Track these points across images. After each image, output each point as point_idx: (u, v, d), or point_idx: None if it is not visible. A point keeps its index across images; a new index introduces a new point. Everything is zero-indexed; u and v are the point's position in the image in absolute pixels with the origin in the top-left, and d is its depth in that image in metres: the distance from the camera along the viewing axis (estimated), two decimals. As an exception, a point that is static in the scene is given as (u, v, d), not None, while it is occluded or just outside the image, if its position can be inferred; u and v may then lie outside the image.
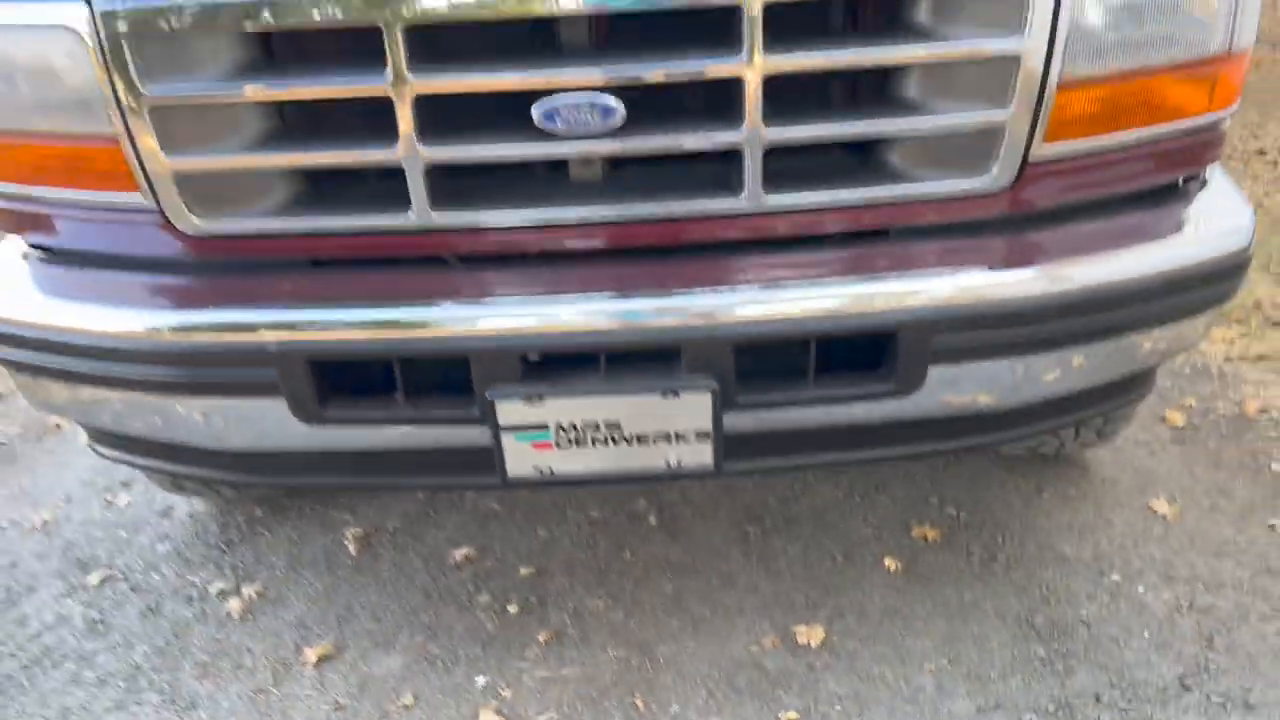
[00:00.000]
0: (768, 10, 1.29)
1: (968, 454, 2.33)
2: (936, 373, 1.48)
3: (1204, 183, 1.66)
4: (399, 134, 1.36)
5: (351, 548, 2.20)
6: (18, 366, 1.61)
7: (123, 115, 1.40)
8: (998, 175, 1.43)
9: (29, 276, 1.62)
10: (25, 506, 2.45)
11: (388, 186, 1.45)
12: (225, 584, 2.12)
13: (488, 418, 1.47)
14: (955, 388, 1.53)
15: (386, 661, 1.90)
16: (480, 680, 1.84)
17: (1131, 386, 1.79)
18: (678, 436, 1.50)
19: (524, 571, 2.09)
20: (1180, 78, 1.45)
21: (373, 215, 1.46)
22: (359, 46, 1.38)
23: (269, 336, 1.46)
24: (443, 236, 1.47)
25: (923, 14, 1.36)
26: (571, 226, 1.47)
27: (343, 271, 1.51)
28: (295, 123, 1.47)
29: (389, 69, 1.32)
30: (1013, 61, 1.35)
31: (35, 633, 2.04)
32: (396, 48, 1.31)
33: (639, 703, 1.78)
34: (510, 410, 1.47)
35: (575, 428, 1.49)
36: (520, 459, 1.52)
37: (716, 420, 1.47)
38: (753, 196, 1.41)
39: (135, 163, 1.43)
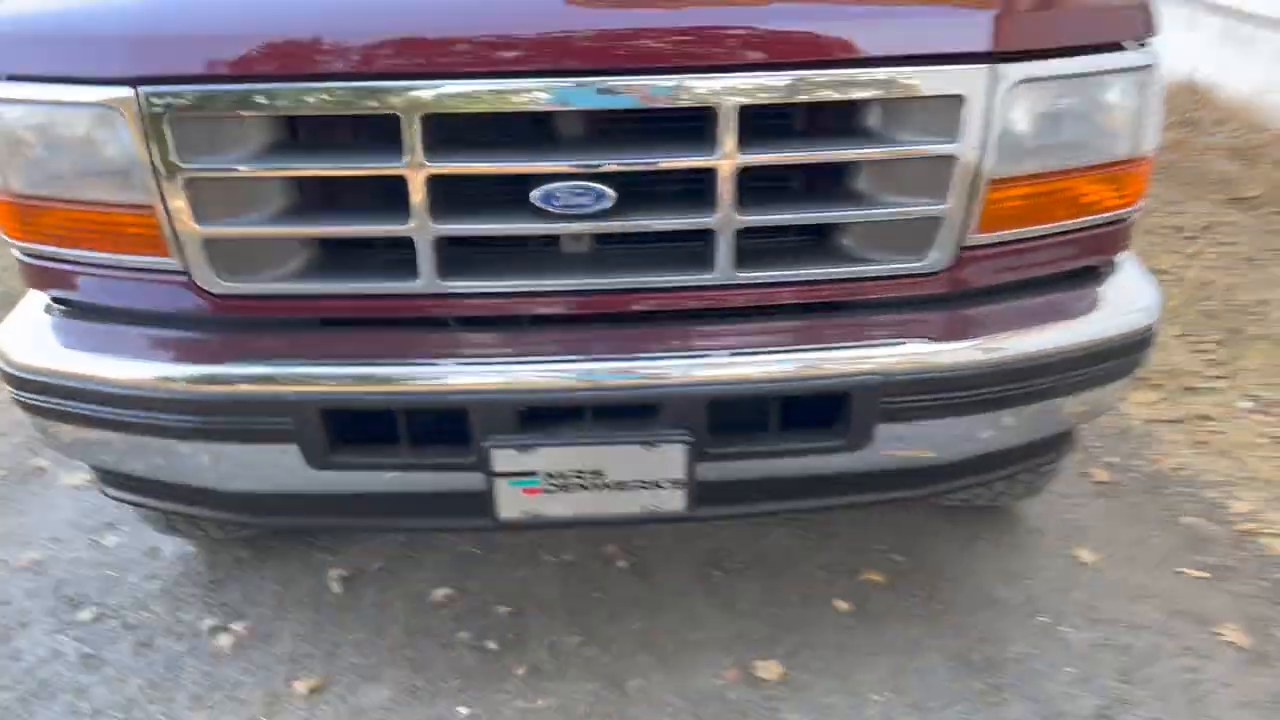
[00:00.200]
0: (740, 113, 1.49)
1: (911, 504, 2.52)
2: (884, 430, 1.67)
3: (1117, 267, 1.88)
4: (411, 209, 1.54)
5: (336, 587, 2.32)
6: (47, 412, 1.73)
7: (159, 187, 1.55)
8: (937, 258, 1.64)
9: (56, 330, 1.75)
10: (13, 546, 2.53)
11: (396, 254, 1.62)
12: (215, 620, 2.23)
13: (483, 465, 1.63)
14: (900, 444, 1.72)
15: (374, 693, 2.02)
16: (463, 711, 1.97)
17: (1056, 444, 2.00)
18: (654, 484, 1.66)
19: (502, 610, 2.23)
20: (1093, 178, 1.67)
21: (384, 281, 1.62)
22: (374, 128, 1.56)
23: (286, 388, 1.61)
24: (447, 300, 1.63)
25: (873, 119, 1.57)
26: (563, 294, 1.64)
27: (354, 330, 1.67)
28: (314, 195, 1.64)
29: (406, 152, 1.50)
30: (950, 162, 1.56)
31: (30, 666, 2.13)
32: (413, 134, 1.49)
33: (611, 731, 1.93)
34: (504, 458, 1.62)
35: (562, 475, 1.65)
36: (511, 503, 1.68)
37: (690, 469, 1.64)
38: (724, 272, 1.60)
39: (168, 229, 1.58)
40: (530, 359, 1.63)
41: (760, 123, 1.52)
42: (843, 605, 2.23)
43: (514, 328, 1.68)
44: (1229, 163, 5.81)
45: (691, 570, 2.35)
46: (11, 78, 1.58)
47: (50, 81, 1.55)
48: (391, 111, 1.48)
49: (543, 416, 1.64)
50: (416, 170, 1.50)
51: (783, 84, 1.48)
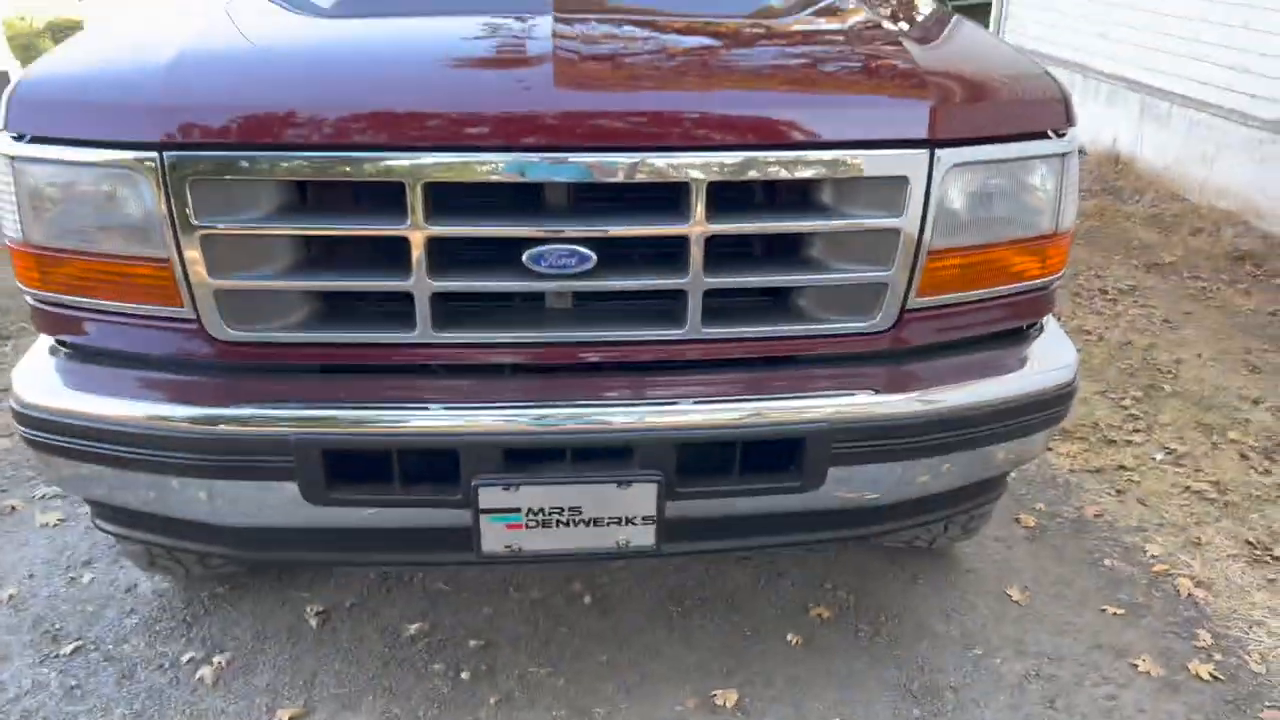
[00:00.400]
0: (709, 187, 1.68)
1: (858, 543, 2.70)
2: (834, 473, 1.83)
3: (1041, 329, 2.08)
4: (411, 266, 1.69)
5: (312, 622, 2.42)
6: (56, 449, 1.83)
7: (176, 242, 1.68)
8: (882, 319, 1.83)
9: (66, 372, 1.85)
10: (-10, 583, 2.60)
11: (393, 307, 1.77)
12: (196, 653, 2.32)
13: (470, 502, 1.77)
14: (849, 486, 1.89)
15: (353, 721, 2.13)
16: (438, 737, 2.09)
17: (988, 488, 2.19)
18: (627, 520, 1.81)
19: (473, 643, 2.35)
20: (1019, 250, 1.89)
21: (383, 331, 1.77)
22: (376, 193, 1.71)
23: (289, 429, 1.74)
24: (440, 350, 1.78)
25: (828, 195, 1.77)
26: (546, 346, 1.80)
27: (353, 375, 1.81)
28: (319, 251, 1.78)
29: (408, 216, 1.65)
30: (894, 234, 1.76)
31: (14, 697, 2.20)
32: (416, 200, 1.64)
33: (579, 756, 2.06)
34: (489, 495, 1.76)
35: (543, 511, 1.79)
36: (494, 538, 1.81)
37: (660, 507, 1.79)
38: (693, 328, 1.78)
39: (182, 281, 1.72)
40: (515, 404, 1.77)
41: (727, 196, 1.71)
42: (794, 639, 2.39)
43: (501, 375, 1.83)
44: (1148, 230, 6.18)
45: (652, 607, 2.50)
46: (38, 139, 1.71)
47: (77, 144, 1.69)
48: (396, 179, 1.64)
49: (526, 457, 1.79)
50: (417, 232, 1.66)
51: (750, 163, 1.67)
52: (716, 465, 1.83)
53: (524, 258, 1.69)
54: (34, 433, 1.84)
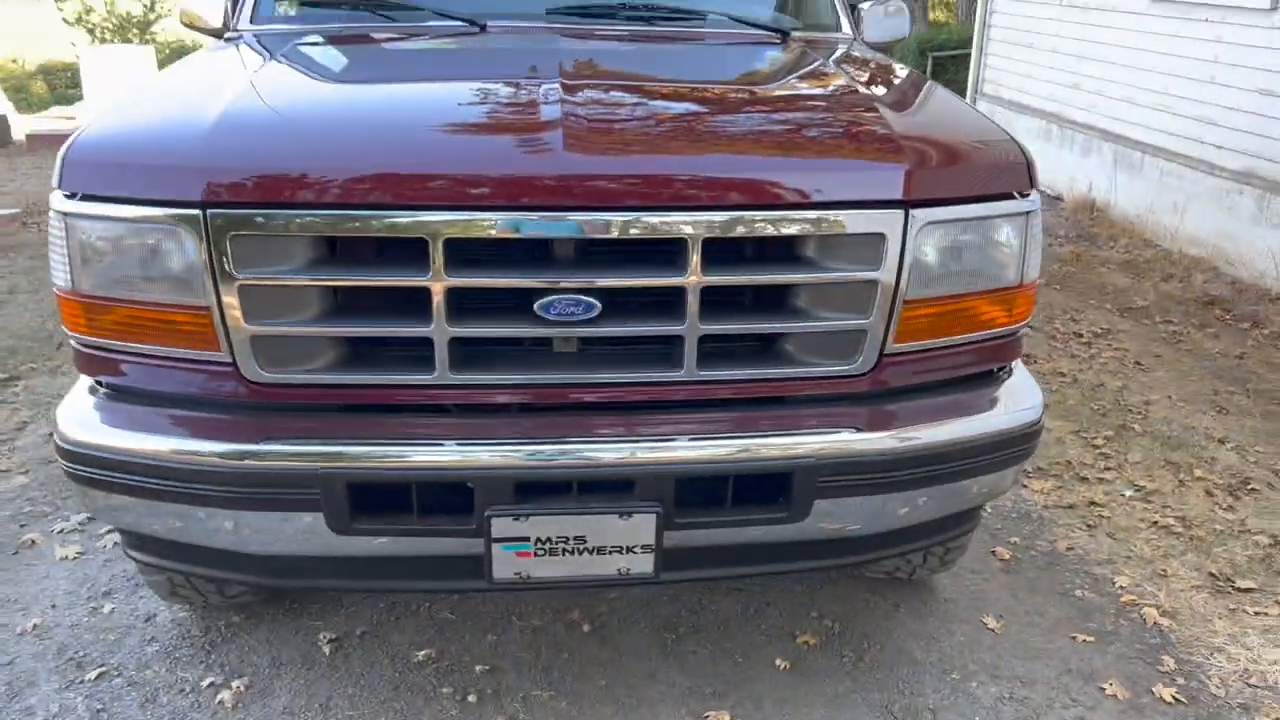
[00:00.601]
0: (704, 243, 1.85)
1: (842, 572, 2.85)
2: (819, 505, 1.98)
3: (1010, 372, 2.25)
4: (431, 314, 1.85)
5: (325, 649, 2.55)
6: (97, 483, 1.96)
7: (216, 291, 1.84)
8: (862, 363, 1.99)
9: (105, 410, 2.00)
10: (14, 613, 2.71)
11: (413, 351, 1.92)
12: (215, 678, 2.44)
13: (483, 531, 1.91)
14: (833, 517, 2.04)
15: (367, 741, 2.26)
16: (448, 756, 2.22)
17: (963, 520, 2.35)
18: (628, 549, 1.96)
19: (479, 669, 2.48)
20: (988, 300, 2.06)
21: (404, 374, 1.92)
22: (398, 247, 1.87)
23: (316, 464, 1.88)
24: (456, 390, 1.93)
25: (811, 250, 1.94)
26: (553, 386, 1.96)
27: (376, 413, 1.96)
28: (346, 301, 1.94)
29: (430, 268, 1.81)
30: (873, 285, 1.93)
31: (43, 720, 2.32)
32: (437, 254, 1.81)
33: (580, 773, 2.18)
34: (501, 525, 1.90)
35: (551, 540, 1.93)
36: (505, 565, 1.95)
37: (659, 536, 1.94)
38: (689, 370, 1.94)
39: (220, 327, 1.87)
40: (525, 440, 1.92)
41: (720, 250, 1.88)
42: (782, 664, 2.53)
43: (512, 413, 1.98)
44: (1121, 275, 6.40)
45: (648, 634, 2.63)
46: (89, 197, 1.87)
47: (125, 202, 1.84)
48: (419, 235, 1.80)
49: (535, 490, 1.94)
50: (438, 283, 1.82)
51: (741, 221, 1.84)
52: (711, 498, 1.98)
53: (535, 306, 1.85)
54: (76, 467, 1.97)
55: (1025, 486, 3.50)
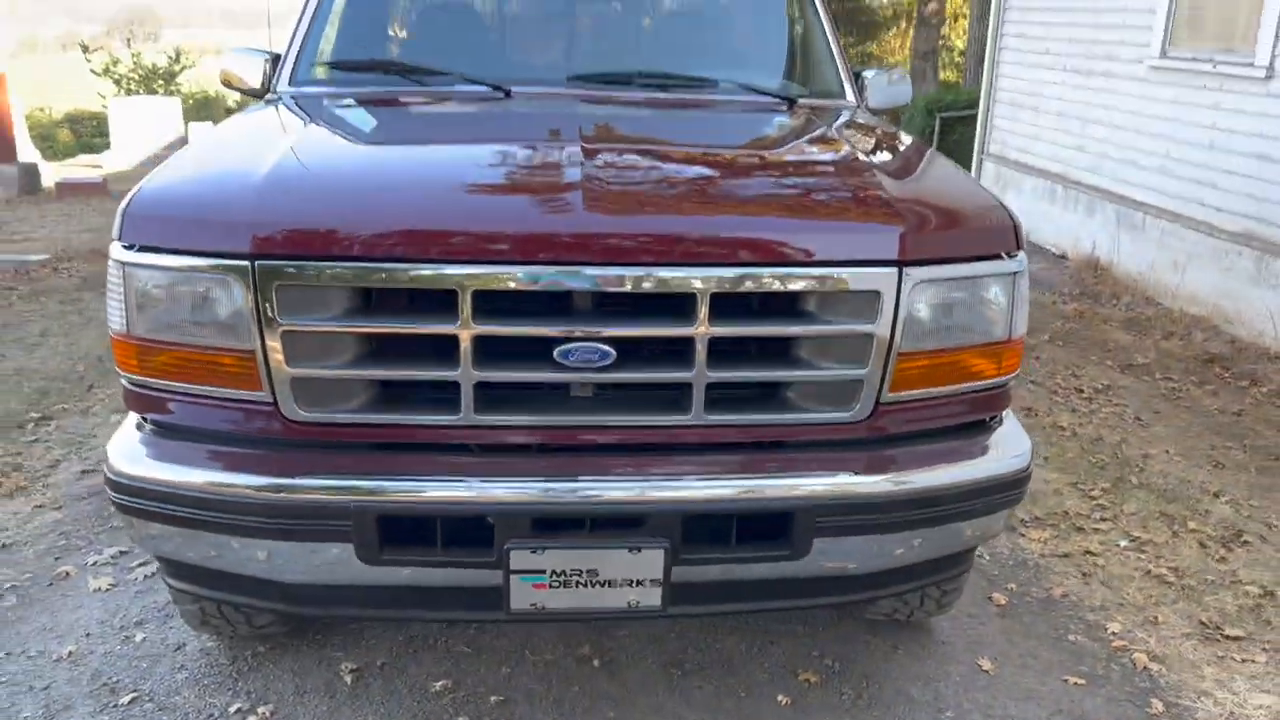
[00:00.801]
0: (712, 296, 2.00)
1: (843, 612, 2.96)
2: (819, 544, 2.11)
3: (1001, 421, 2.38)
4: (459, 360, 1.99)
5: (347, 678, 2.67)
6: (142, 513, 2.10)
7: (261, 336, 2.00)
8: (860, 410, 2.13)
9: (152, 445, 2.14)
10: (50, 641, 2.84)
11: (440, 394, 2.07)
12: (242, 704, 2.56)
13: (502, 563, 2.04)
14: (832, 556, 2.16)
15: (386, 766, 2.36)
16: (463, 781, 2.32)
17: (957, 562, 2.47)
18: (638, 583, 2.08)
19: (494, 699, 2.59)
20: (977, 354, 2.20)
21: (431, 414, 2.07)
22: (428, 297, 2.02)
23: (349, 498, 2.02)
24: (480, 430, 2.08)
25: (811, 305, 2.09)
26: (570, 428, 2.10)
27: (404, 451, 2.10)
28: (380, 346, 2.09)
29: (459, 317, 1.96)
30: (869, 338, 2.07)
31: (78, 741, 2.44)
32: (466, 304, 1.96)
33: (589, 799, 2.29)
34: (519, 558, 2.03)
35: (565, 572, 2.06)
36: (522, 596, 2.08)
37: (667, 571, 2.06)
38: (697, 415, 2.07)
39: (263, 369, 2.02)
40: (543, 478, 2.06)
41: (728, 304, 2.03)
42: (783, 700, 2.63)
43: (531, 453, 2.12)
44: (1123, 332, 6.53)
45: (655, 669, 2.74)
46: (146, 248, 2.03)
47: (180, 253, 2.01)
48: (449, 287, 1.95)
49: (551, 525, 2.07)
50: (466, 330, 1.97)
51: (747, 277, 1.99)
52: (716, 535, 2.11)
53: (554, 353, 2.00)
54: (123, 497, 2.11)
55: (1023, 535, 3.62)
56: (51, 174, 12.79)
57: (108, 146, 17.85)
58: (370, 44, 3.50)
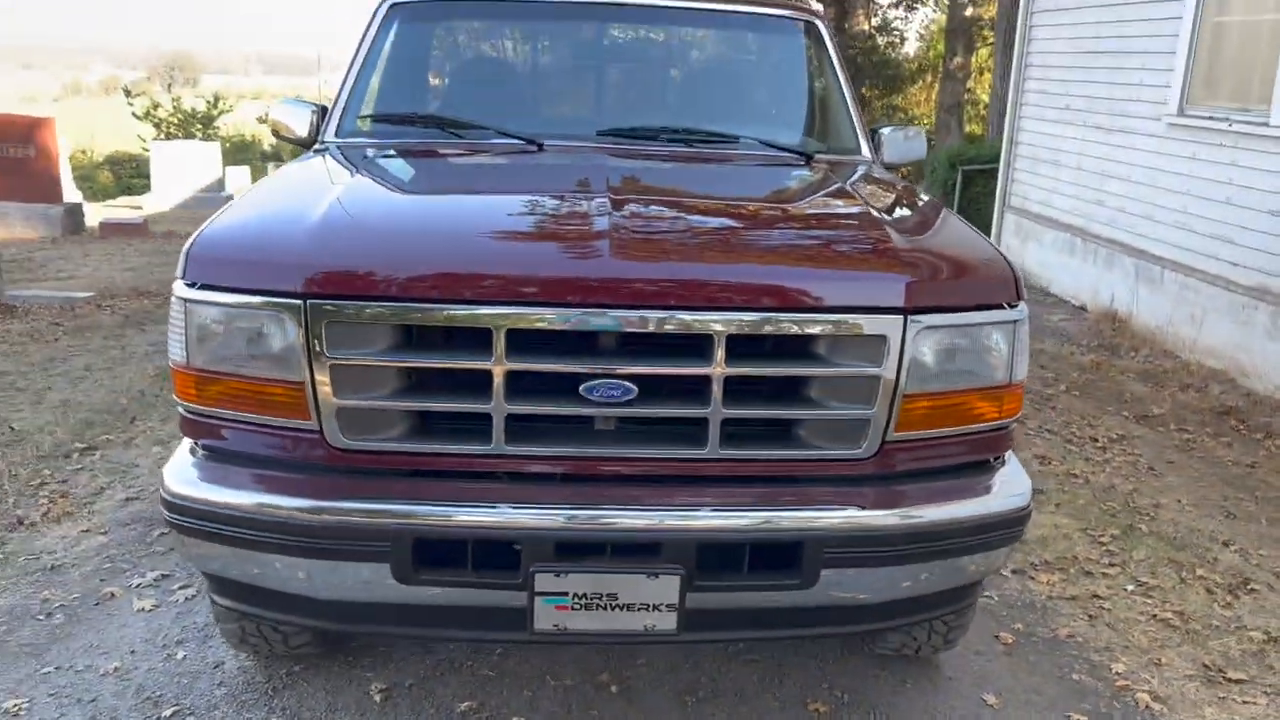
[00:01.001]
0: (728, 338, 2.14)
1: (852, 647, 3.06)
2: (827, 575, 2.23)
3: (1003, 462, 2.50)
4: (491, 393, 2.15)
5: (376, 697, 2.80)
6: (194, 531, 2.25)
7: (310, 369, 2.16)
8: (867, 448, 2.26)
9: (204, 469, 2.30)
10: (98, 657, 2.98)
11: (472, 425, 2.22)
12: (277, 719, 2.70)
13: (527, 585, 2.18)
14: (840, 586, 2.28)
15: (413, 780, 2.48)
16: (486, 796, 2.44)
17: (962, 596, 2.58)
18: (654, 607, 2.21)
19: (516, 720, 2.72)
20: (979, 397, 2.33)
21: (464, 444, 2.22)
22: (464, 336, 2.18)
23: (388, 520, 2.17)
24: (509, 460, 2.22)
25: (822, 348, 2.23)
26: (593, 459, 2.24)
27: (439, 478, 2.24)
28: (418, 380, 2.24)
29: (493, 354, 2.12)
30: (876, 380, 2.21)
31: (124, 750, 2.58)
32: (499, 342, 2.12)
33: (605, 816, 2.39)
34: (544, 580, 2.17)
35: (586, 595, 2.19)
36: (545, 617, 2.21)
37: (682, 596, 2.19)
38: (713, 449, 2.21)
39: (311, 400, 2.18)
40: (567, 506, 2.20)
41: (743, 346, 2.18)
42: (793, 728, 2.75)
43: (556, 481, 2.26)
44: (1140, 384, 6.61)
45: (670, 696, 2.86)
46: (207, 286, 2.20)
47: (239, 291, 2.18)
48: (484, 326, 2.11)
49: (574, 550, 2.20)
50: (499, 366, 2.12)
51: (763, 321, 2.14)
52: (729, 563, 2.24)
53: (580, 389, 2.15)
54: (177, 517, 2.27)
55: (1032, 578, 3.71)
56: (94, 214, 13.18)
57: (146, 188, 18.34)
58: (411, 99, 3.73)
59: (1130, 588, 3.69)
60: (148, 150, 21.43)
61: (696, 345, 2.18)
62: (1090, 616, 3.46)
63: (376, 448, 2.22)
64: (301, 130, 3.56)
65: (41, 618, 3.20)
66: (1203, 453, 5.38)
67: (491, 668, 2.94)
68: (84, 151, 25.67)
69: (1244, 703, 2.99)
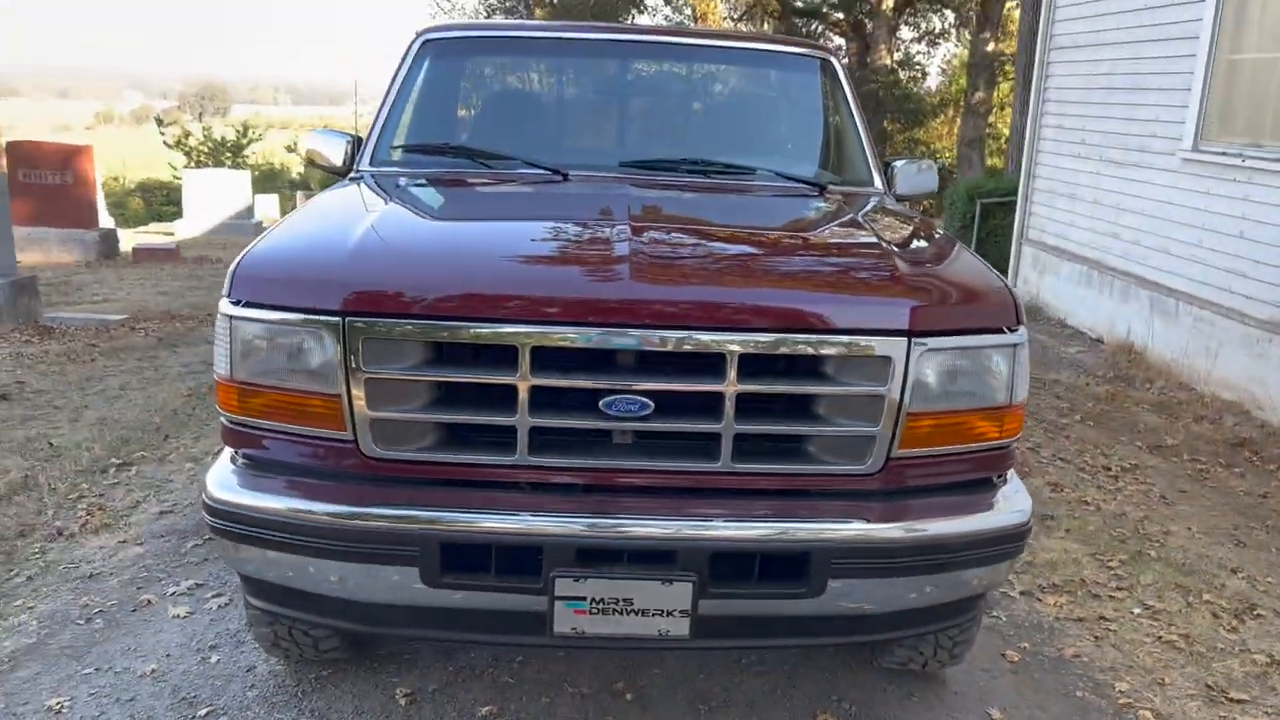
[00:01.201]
0: (740, 357, 2.27)
1: (861, 660, 3.15)
2: (834, 585, 2.33)
3: (1005, 480, 2.60)
4: (516, 407, 2.28)
5: (401, 701, 2.91)
6: (234, 535, 2.38)
7: (347, 383, 2.30)
8: (873, 463, 2.37)
9: (244, 476, 2.43)
10: (135, 660, 3.12)
11: (498, 437, 2.34)
12: (306, 721, 2.82)
13: (548, 589, 2.29)
14: (847, 597, 2.39)
15: (436, 779, 2.59)
16: (505, 795, 2.54)
17: (965, 608, 2.67)
18: (668, 612, 2.32)
19: (534, 725, 2.83)
20: (980, 417, 2.44)
21: (490, 455, 2.34)
22: (491, 352, 2.31)
23: (416, 526, 2.29)
24: (532, 470, 2.35)
25: (830, 368, 2.35)
26: (611, 470, 2.36)
27: (465, 487, 2.37)
28: (448, 393, 2.38)
29: (518, 370, 2.25)
30: (881, 399, 2.33)
31: (161, 747, 2.70)
32: (525, 358, 2.25)
33: (619, 816, 2.49)
34: (564, 585, 2.28)
35: (604, 600, 2.31)
36: (564, 621, 2.32)
37: (695, 603, 2.30)
38: (725, 463, 2.33)
39: (347, 412, 2.32)
40: (586, 514, 2.31)
41: (754, 365, 2.30)
42: (802, 737, 2.84)
43: (576, 491, 2.38)
44: (1154, 415, 6.67)
45: (684, 704, 2.96)
46: (251, 304, 2.35)
47: (282, 309, 2.32)
48: (511, 344, 2.25)
49: (593, 556, 2.32)
50: (524, 382, 2.26)
51: (774, 342, 2.26)
52: (740, 572, 2.35)
53: (599, 404, 2.28)
54: (218, 521, 2.40)
55: (1039, 600, 3.79)
56: (127, 240, 13.48)
57: (176, 215, 18.71)
58: (442, 130, 3.90)
59: (1137, 610, 3.76)
60: (179, 178, 21.88)
61: (711, 364, 2.31)
62: (1096, 637, 3.53)
63: (407, 457, 2.35)
64: (336, 159, 3.74)
65: (81, 622, 3.34)
66: (1215, 483, 5.44)
67: (511, 675, 3.05)
68: (116, 179, 26.17)
69: (1245, 722, 3.06)
